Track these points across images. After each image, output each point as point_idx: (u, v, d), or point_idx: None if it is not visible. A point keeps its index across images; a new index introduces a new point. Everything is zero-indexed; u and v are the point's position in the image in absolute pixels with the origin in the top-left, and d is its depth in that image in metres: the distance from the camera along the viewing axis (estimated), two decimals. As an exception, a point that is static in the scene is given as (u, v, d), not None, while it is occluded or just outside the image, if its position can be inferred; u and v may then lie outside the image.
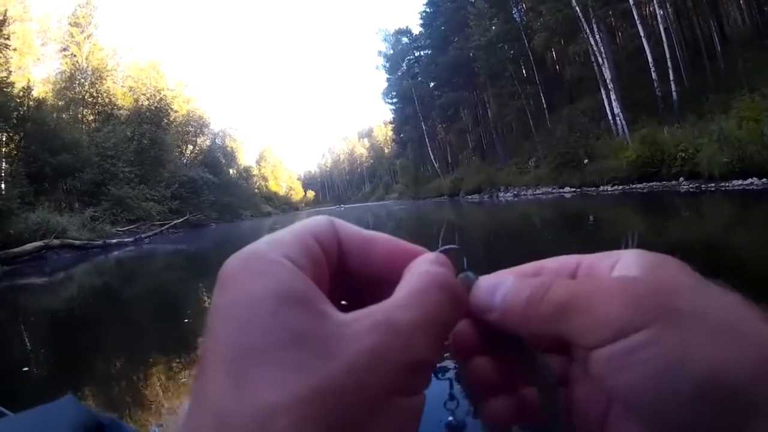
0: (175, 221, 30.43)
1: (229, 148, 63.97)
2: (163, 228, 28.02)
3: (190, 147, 52.01)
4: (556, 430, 0.25)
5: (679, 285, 0.22)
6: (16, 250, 14.34)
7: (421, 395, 0.22)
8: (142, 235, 23.75)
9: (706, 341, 0.19)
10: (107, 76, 33.51)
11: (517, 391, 0.27)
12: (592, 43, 23.66)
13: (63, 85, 31.32)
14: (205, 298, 5.63)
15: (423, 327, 0.21)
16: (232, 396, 0.18)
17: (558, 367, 0.27)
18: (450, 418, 0.27)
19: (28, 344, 5.08)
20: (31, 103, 24.48)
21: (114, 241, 20.01)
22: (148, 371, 3.49)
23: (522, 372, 0.27)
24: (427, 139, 50.70)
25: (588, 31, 23.81)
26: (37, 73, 31.26)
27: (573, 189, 21.35)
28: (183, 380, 3.10)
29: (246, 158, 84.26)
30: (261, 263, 0.21)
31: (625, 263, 0.25)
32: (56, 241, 15.83)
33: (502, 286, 0.25)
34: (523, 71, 34.17)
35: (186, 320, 4.83)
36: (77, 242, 17.24)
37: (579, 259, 0.28)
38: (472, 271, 0.26)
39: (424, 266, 0.24)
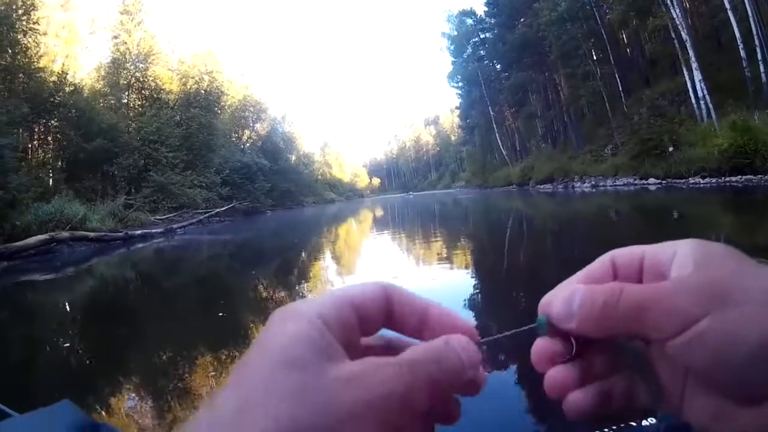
0: (218, 209, 28.94)
1: (289, 134, 63.68)
2: (203, 217, 26.20)
3: (247, 132, 51.89)
4: (659, 405, 0.29)
5: (726, 276, 0.26)
6: (18, 243, 13.00)
7: None
8: (174, 226, 21.81)
9: (753, 318, 0.24)
10: (156, 61, 33.37)
11: (601, 384, 0.31)
12: (674, 16, 21.35)
13: (108, 70, 31.51)
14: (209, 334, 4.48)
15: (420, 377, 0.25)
16: (233, 411, 0.22)
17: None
18: None
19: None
20: (67, 88, 24.33)
21: (138, 232, 18.18)
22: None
23: (616, 363, 0.31)
24: (494, 125, 48.81)
25: (669, 2, 21.61)
26: (88, 61, 31.95)
27: (658, 180, 19.62)
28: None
29: (309, 144, 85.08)
30: (295, 315, 0.26)
31: (682, 257, 0.29)
32: (65, 234, 14.36)
33: (576, 296, 0.29)
34: (593, 52, 31.72)
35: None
36: (92, 234, 15.57)
37: (643, 250, 0.31)
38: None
39: (440, 341, 0.28)
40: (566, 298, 0.29)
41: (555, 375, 0.31)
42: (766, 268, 0.27)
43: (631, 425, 0.65)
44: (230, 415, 0.22)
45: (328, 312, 0.26)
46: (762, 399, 0.24)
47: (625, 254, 0.32)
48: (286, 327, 0.25)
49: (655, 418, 0.62)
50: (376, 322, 0.29)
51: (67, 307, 6.60)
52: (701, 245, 0.29)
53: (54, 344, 4.64)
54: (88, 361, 3.99)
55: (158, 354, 3.95)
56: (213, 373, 3.25)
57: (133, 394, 3.11)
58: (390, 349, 0.31)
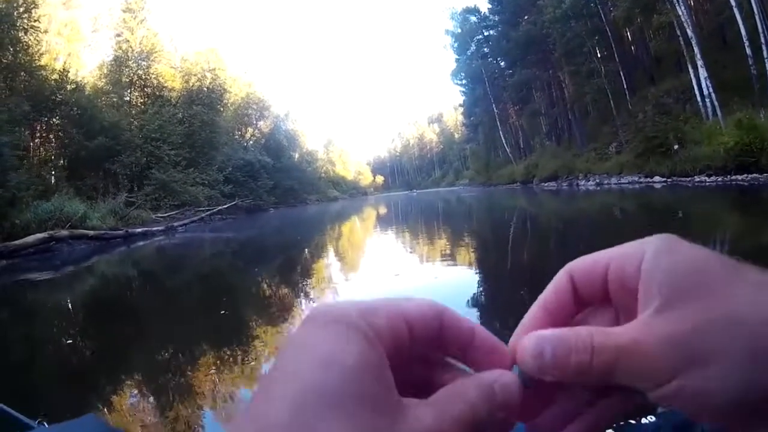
0: (220, 207, 28.31)
1: (292, 132, 63.26)
2: (205, 215, 25.88)
3: (250, 130, 51.66)
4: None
5: (697, 322, 0.25)
6: (17, 242, 12.77)
7: None
8: (176, 223, 21.59)
9: (726, 376, 0.24)
10: (158, 59, 33.20)
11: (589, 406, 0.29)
12: (679, 14, 21.14)
13: (110, 68, 31.37)
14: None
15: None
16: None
17: None
18: None
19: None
20: (68, 86, 24.18)
21: (139, 230, 18.06)
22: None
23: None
24: (498, 123, 48.66)
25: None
26: (90, 59, 31.96)
27: (663, 179, 19.50)
28: None
29: (312, 142, 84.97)
30: (346, 324, 0.23)
31: (651, 275, 0.27)
32: (64, 232, 14.12)
33: (546, 352, 0.27)
34: (597, 50, 31.60)
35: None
36: (91, 232, 15.34)
37: (605, 262, 0.29)
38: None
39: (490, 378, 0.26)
40: (534, 351, 0.27)
41: (543, 422, 0.29)
42: (745, 285, 0.25)
43: (631, 423, 0.62)
44: None
45: (381, 326, 0.24)
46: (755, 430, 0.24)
47: (585, 268, 0.30)
48: (341, 341, 0.23)
49: (654, 416, 0.59)
50: (426, 343, 0.27)
51: (68, 306, 6.54)
52: (670, 257, 0.27)
53: (56, 344, 4.62)
54: (90, 361, 3.96)
55: (160, 353, 3.92)
56: (215, 371, 3.23)
57: (135, 391, 3.11)
58: (428, 367, 0.29)
